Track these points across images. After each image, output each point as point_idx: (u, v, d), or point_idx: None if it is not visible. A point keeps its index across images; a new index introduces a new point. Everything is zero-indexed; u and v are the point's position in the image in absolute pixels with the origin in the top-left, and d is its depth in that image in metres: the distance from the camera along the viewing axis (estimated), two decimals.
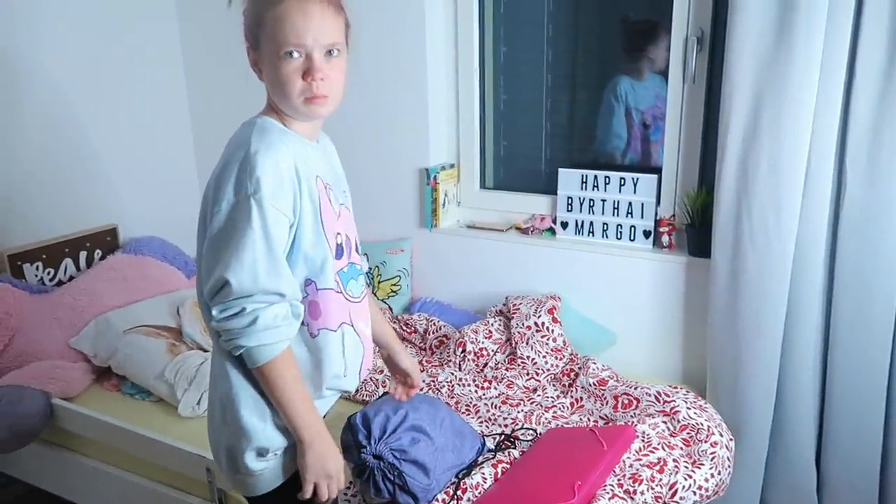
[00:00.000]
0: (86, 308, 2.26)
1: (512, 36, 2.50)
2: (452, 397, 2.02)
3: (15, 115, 2.29)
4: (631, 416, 1.82)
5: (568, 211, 2.34)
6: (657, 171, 2.23)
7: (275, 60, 1.11)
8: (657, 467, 1.59)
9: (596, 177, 2.27)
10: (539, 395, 2.02)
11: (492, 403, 1.98)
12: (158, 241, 2.61)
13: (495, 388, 2.06)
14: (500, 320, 2.25)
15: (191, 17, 2.77)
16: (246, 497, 1.26)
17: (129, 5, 2.60)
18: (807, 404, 1.92)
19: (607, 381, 1.97)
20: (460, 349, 2.18)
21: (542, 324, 2.15)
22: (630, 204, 2.23)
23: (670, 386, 1.90)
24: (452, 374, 2.12)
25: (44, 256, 2.37)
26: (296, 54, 1.11)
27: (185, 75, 2.86)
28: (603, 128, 2.40)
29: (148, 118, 2.73)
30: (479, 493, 1.57)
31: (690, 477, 1.59)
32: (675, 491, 1.56)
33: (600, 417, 1.89)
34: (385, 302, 2.54)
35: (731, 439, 1.76)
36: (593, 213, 2.30)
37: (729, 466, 1.69)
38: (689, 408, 1.78)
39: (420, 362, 2.23)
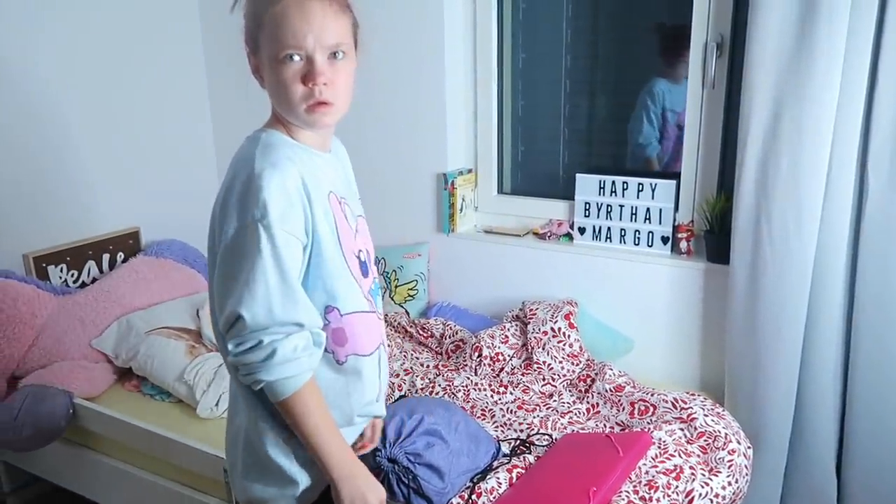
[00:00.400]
0: (108, 309, 2.30)
1: (530, 42, 2.51)
2: (468, 401, 2.02)
3: (40, 120, 2.34)
4: (647, 423, 1.81)
5: (585, 216, 2.33)
6: (676, 176, 2.22)
7: (274, 65, 1.02)
8: (673, 474, 1.58)
9: (614, 182, 2.27)
10: (555, 401, 2.01)
11: (507, 408, 1.98)
12: (179, 244, 2.65)
13: (511, 393, 2.06)
14: (516, 325, 2.25)
15: (213, 22, 2.81)
16: None
17: (152, 9, 2.64)
18: (827, 411, 1.89)
19: (624, 387, 1.96)
20: (476, 354, 2.18)
21: (559, 329, 2.14)
22: (648, 210, 2.22)
23: (688, 393, 1.89)
24: (468, 378, 2.12)
25: (68, 259, 2.41)
26: (296, 57, 1.02)
27: (207, 79, 2.90)
28: (636, 130, 2.38)
29: (170, 124, 2.77)
30: (494, 497, 1.57)
31: (707, 485, 1.58)
32: (692, 499, 1.55)
33: (616, 424, 1.88)
34: (402, 306, 2.55)
35: (749, 447, 1.74)
36: (611, 218, 2.29)
37: (747, 474, 1.68)
38: (706, 415, 1.77)
39: (436, 366, 2.23)
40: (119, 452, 1.99)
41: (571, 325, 2.15)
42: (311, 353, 1.04)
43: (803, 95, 1.74)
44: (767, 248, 1.86)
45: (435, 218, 2.56)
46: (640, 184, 2.22)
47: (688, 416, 1.77)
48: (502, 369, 2.16)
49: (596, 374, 2.06)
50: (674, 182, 2.19)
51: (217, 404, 1.99)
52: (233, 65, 2.81)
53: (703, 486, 1.57)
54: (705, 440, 1.71)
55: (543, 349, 2.14)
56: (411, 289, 2.56)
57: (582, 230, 2.35)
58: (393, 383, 2.10)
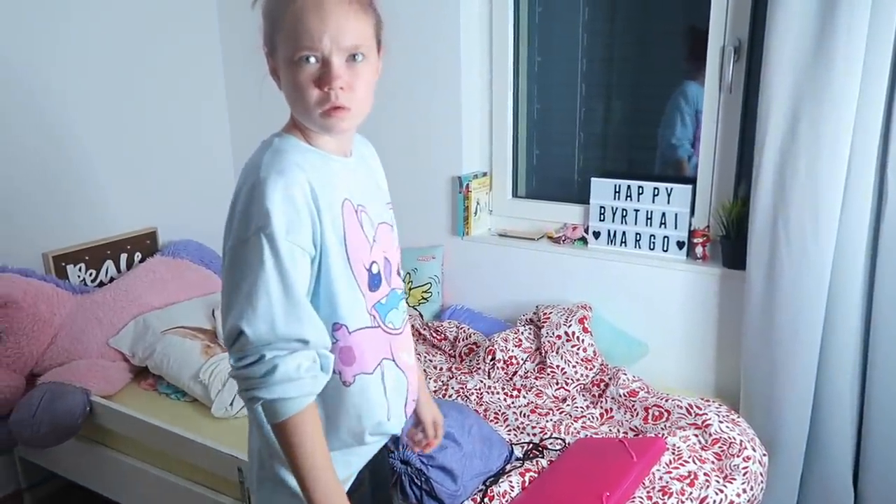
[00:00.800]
0: (125, 308, 2.32)
1: (546, 45, 2.51)
2: (481, 405, 2.02)
3: (61, 124, 2.37)
4: (661, 429, 1.80)
5: (600, 220, 2.32)
6: (692, 181, 2.21)
7: (289, 66, 0.97)
8: (688, 481, 1.57)
9: (629, 186, 2.26)
10: (568, 405, 2.01)
11: (520, 412, 1.98)
12: (195, 245, 2.67)
13: (524, 397, 2.06)
14: (530, 329, 2.25)
15: (231, 25, 2.83)
16: None
17: (169, 12, 2.67)
18: (844, 420, 1.87)
19: (638, 392, 1.95)
20: (490, 357, 2.18)
21: (573, 333, 2.14)
22: (664, 214, 2.21)
23: (702, 399, 1.88)
24: (481, 381, 2.12)
25: (86, 258, 2.44)
26: (311, 59, 0.96)
27: (224, 81, 2.93)
28: (669, 133, 2.35)
29: (187, 126, 2.80)
30: (507, 501, 1.57)
31: (722, 492, 1.56)
32: None
33: (630, 429, 1.87)
34: (416, 309, 2.56)
35: (764, 454, 1.72)
36: (626, 222, 2.28)
37: (762, 482, 1.66)
38: (721, 421, 1.75)
39: (449, 369, 2.24)
40: (134, 450, 2.01)
41: (585, 330, 2.15)
42: (314, 375, 0.97)
43: (822, 99, 1.73)
44: (784, 254, 1.85)
45: (449, 221, 2.57)
46: (655, 188, 2.22)
47: (702, 423, 1.76)
48: (515, 373, 2.16)
49: (610, 378, 2.05)
50: (689, 187, 2.17)
51: (232, 404, 2.00)
52: (250, 66, 2.86)
53: (717, 493, 1.56)
54: (720, 447, 1.70)
55: (557, 353, 2.13)
56: (425, 291, 2.56)
57: (597, 234, 2.34)
58: None
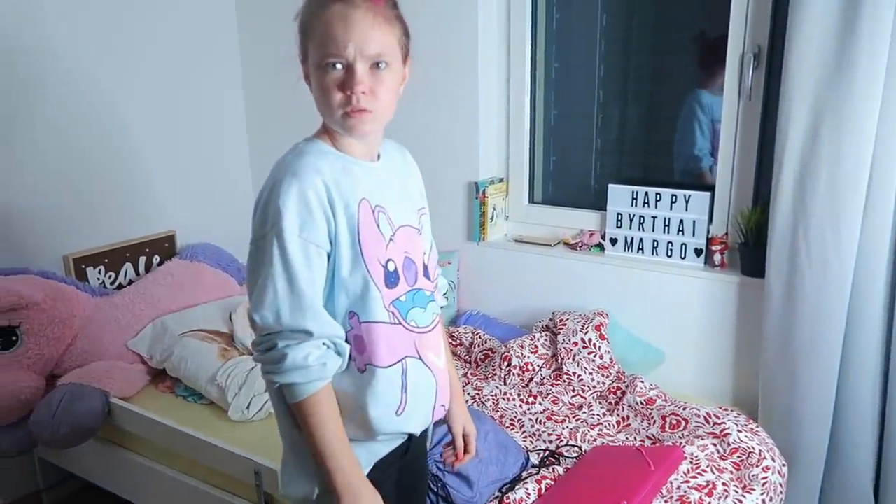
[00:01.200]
0: (143, 311, 2.34)
1: (564, 52, 2.51)
2: (497, 411, 2.02)
3: (81, 127, 2.40)
4: (679, 437, 1.79)
5: (617, 227, 2.32)
6: (710, 188, 2.20)
7: (317, 71, 1.05)
8: (706, 490, 1.56)
9: (647, 193, 2.25)
10: (584, 413, 2.00)
11: (536, 419, 1.97)
12: (213, 249, 2.69)
13: (540, 404, 2.05)
14: (546, 335, 2.24)
15: (250, 31, 2.85)
16: None
17: (188, 18, 2.70)
18: (865, 430, 1.85)
19: (655, 400, 1.94)
20: (506, 363, 2.17)
21: (589, 340, 2.13)
22: (681, 221, 2.20)
23: (720, 408, 1.86)
24: (497, 387, 2.12)
25: (106, 261, 2.46)
26: (337, 65, 1.03)
27: (242, 87, 2.95)
28: (685, 141, 2.35)
29: (206, 133, 2.82)
30: None
31: (741, 502, 1.55)
32: None
33: (647, 437, 1.86)
34: None
35: (783, 464, 1.71)
36: (643, 229, 2.27)
37: (781, 492, 1.65)
38: (740, 430, 1.74)
39: (465, 375, 2.23)
40: (152, 452, 2.02)
41: (602, 337, 2.14)
42: (324, 362, 1.04)
43: (843, 105, 1.72)
44: (805, 262, 1.83)
45: (466, 226, 2.57)
46: (673, 195, 2.20)
47: (721, 432, 1.75)
48: (531, 379, 2.15)
49: (626, 386, 2.04)
50: (708, 194, 2.16)
51: (248, 407, 2.01)
52: (267, 74, 2.88)
53: None
54: (739, 456, 1.68)
55: (573, 360, 2.13)
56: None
57: (613, 241, 2.33)
58: None
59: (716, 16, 2.09)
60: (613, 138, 2.53)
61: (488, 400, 2.06)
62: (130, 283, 2.52)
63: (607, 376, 2.10)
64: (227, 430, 1.96)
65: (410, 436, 1.19)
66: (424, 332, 1.15)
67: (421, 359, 1.14)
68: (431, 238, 1.29)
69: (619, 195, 2.30)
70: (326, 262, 1.06)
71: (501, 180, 2.56)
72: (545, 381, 2.14)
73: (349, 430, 1.10)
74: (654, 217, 2.25)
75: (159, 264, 2.61)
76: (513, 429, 1.92)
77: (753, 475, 1.62)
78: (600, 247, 2.37)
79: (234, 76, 2.92)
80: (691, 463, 1.65)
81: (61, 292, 2.19)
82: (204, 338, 2.22)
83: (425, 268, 1.19)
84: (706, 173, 2.33)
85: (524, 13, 2.41)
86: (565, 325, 2.20)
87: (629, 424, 1.93)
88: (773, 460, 1.67)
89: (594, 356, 2.12)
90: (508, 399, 2.07)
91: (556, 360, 2.17)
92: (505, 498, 1.58)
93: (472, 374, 2.24)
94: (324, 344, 1.05)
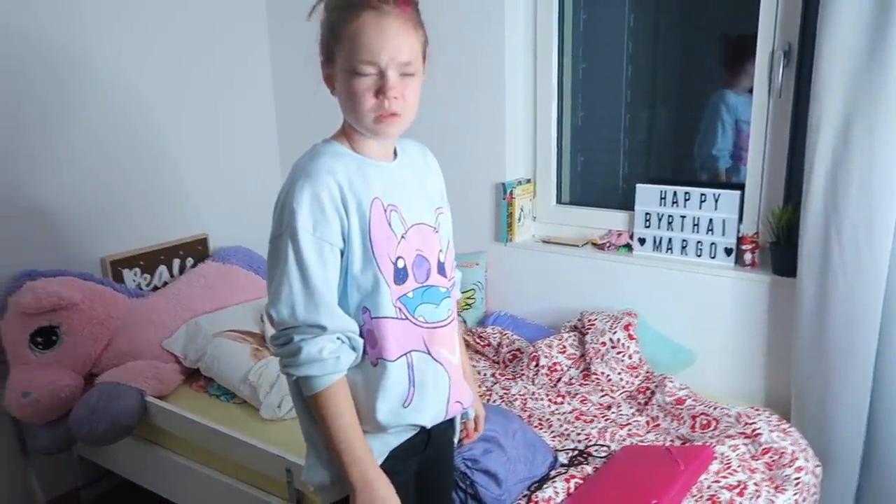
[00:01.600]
0: (177, 312, 2.39)
1: (591, 53, 2.50)
2: (525, 410, 2.02)
3: (117, 134, 2.46)
4: (710, 437, 1.77)
5: (646, 227, 2.31)
6: (740, 187, 2.18)
7: (348, 76, 1.07)
8: (737, 490, 1.55)
9: (675, 193, 2.24)
10: (613, 413, 1.99)
11: (565, 418, 1.97)
12: (244, 251, 2.74)
13: (569, 404, 2.05)
14: (574, 336, 2.24)
15: (280, 35, 2.90)
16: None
17: (220, 24, 2.75)
18: None
19: (685, 399, 1.92)
20: (534, 363, 2.18)
21: (618, 340, 2.12)
22: (711, 220, 2.19)
23: (752, 408, 1.85)
24: (525, 387, 2.12)
25: (141, 263, 2.52)
26: (370, 71, 1.06)
27: (273, 93, 3.00)
28: (709, 141, 2.34)
29: (237, 138, 2.87)
30: None
31: (773, 502, 1.53)
32: None
33: (677, 437, 1.85)
34: (459, 315, 2.56)
35: (817, 465, 1.69)
36: (672, 229, 2.26)
37: (815, 493, 1.63)
38: (772, 430, 1.72)
39: (493, 375, 2.24)
40: (186, 450, 2.06)
41: (631, 337, 2.13)
42: (338, 356, 1.09)
43: (876, 102, 1.69)
44: (837, 261, 1.81)
45: (493, 227, 2.58)
46: (702, 194, 2.19)
47: (752, 432, 1.73)
48: (560, 379, 2.15)
49: (656, 386, 2.03)
50: (738, 192, 2.14)
51: (279, 406, 2.04)
52: (297, 77, 2.92)
53: None
54: (771, 456, 1.66)
55: (602, 360, 2.12)
56: (469, 298, 2.58)
57: (642, 241, 2.32)
58: None
59: (744, 14, 2.08)
60: (641, 138, 2.52)
61: (516, 399, 2.06)
62: (165, 284, 2.58)
63: (636, 376, 2.09)
64: (259, 429, 1.99)
65: (424, 428, 1.21)
66: (436, 327, 1.18)
67: (429, 353, 1.17)
68: (450, 237, 1.31)
69: (647, 195, 2.29)
70: (340, 258, 1.11)
71: (529, 181, 2.57)
72: (573, 381, 2.14)
73: (362, 423, 1.14)
74: (683, 216, 2.23)
75: (193, 266, 2.67)
76: (541, 428, 1.93)
77: (786, 475, 1.60)
78: (628, 247, 2.36)
79: (264, 80, 2.97)
80: (722, 463, 1.64)
81: (99, 293, 2.25)
82: (236, 338, 2.26)
83: (440, 265, 1.21)
84: (727, 174, 2.32)
85: (551, 14, 2.42)
86: (593, 325, 2.20)
87: (659, 424, 1.92)
88: (807, 461, 1.65)
89: (623, 356, 2.11)
90: (536, 399, 2.07)
91: (585, 360, 2.17)
92: (533, 496, 1.58)
93: (500, 374, 2.25)
94: (338, 338, 1.10)
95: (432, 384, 1.18)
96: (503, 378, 2.20)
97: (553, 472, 1.69)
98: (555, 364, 2.17)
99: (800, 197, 1.89)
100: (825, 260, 1.83)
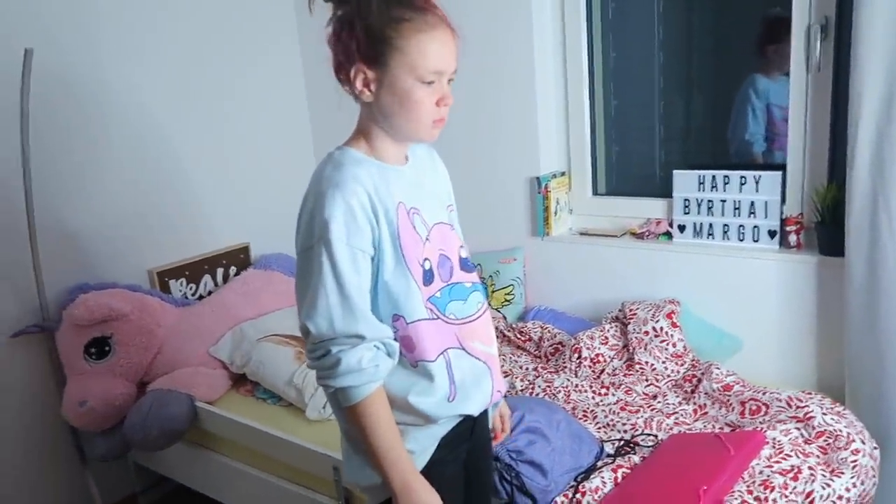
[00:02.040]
0: (223, 319, 2.44)
1: (621, 41, 2.48)
2: (569, 402, 2.00)
3: (161, 151, 2.54)
4: (760, 423, 1.73)
5: (685, 213, 2.27)
6: (780, 167, 2.12)
7: (409, 85, 1.09)
8: (791, 475, 1.50)
9: (714, 177, 2.19)
10: (659, 402, 1.96)
11: (610, 409, 1.95)
12: (285, 257, 2.78)
13: (613, 395, 2.02)
14: (616, 326, 2.21)
15: (313, 48, 2.95)
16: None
17: (254, 35, 2.81)
18: None
19: (733, 386, 1.88)
20: (576, 355, 2.15)
21: (661, 329, 2.09)
22: (752, 203, 2.14)
23: (803, 392, 1.79)
24: (568, 380, 2.10)
25: (186, 273, 2.59)
26: (433, 82, 1.10)
27: (307, 103, 3.05)
28: (740, 127, 2.30)
29: (274, 149, 2.93)
30: (599, 496, 1.55)
31: (829, 486, 1.48)
32: (812, 500, 1.46)
33: (726, 424, 1.80)
34: (499, 311, 2.56)
35: (875, 447, 1.63)
36: (712, 214, 2.21)
37: (874, 476, 1.57)
38: (825, 413, 1.67)
39: (535, 369, 2.23)
40: (236, 452, 2.11)
41: (674, 325, 2.09)
42: (377, 364, 1.09)
43: None
44: (887, 238, 1.75)
45: (529, 222, 2.56)
46: (742, 177, 2.14)
47: (804, 415, 1.68)
48: (603, 370, 2.13)
49: (702, 374, 1.98)
50: (779, 173, 2.09)
51: (324, 407, 2.07)
52: (330, 88, 2.96)
53: (823, 488, 1.48)
54: (825, 440, 1.61)
55: (645, 349, 2.09)
56: (508, 294, 2.57)
57: (682, 228, 2.28)
58: None
59: None
60: (676, 125, 2.48)
61: (559, 392, 2.04)
62: (210, 293, 2.64)
63: (681, 364, 2.06)
64: (305, 429, 2.02)
65: (469, 416, 1.22)
66: (467, 321, 1.20)
67: (463, 348, 1.18)
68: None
69: (685, 181, 2.26)
70: (371, 265, 1.11)
71: (563, 174, 2.55)
72: (617, 371, 2.11)
73: (408, 419, 1.15)
74: (724, 201, 2.19)
75: (236, 274, 2.73)
76: (586, 420, 1.90)
77: (842, 458, 1.55)
78: (668, 235, 2.32)
79: (298, 92, 3.02)
80: (774, 448, 1.59)
81: (147, 304, 2.32)
82: (280, 342, 2.30)
83: (462, 260, 1.23)
84: (763, 157, 2.27)
85: (578, 4, 2.40)
86: (635, 314, 2.17)
87: (706, 412, 1.88)
88: (864, 443, 1.60)
89: (667, 344, 2.07)
90: (580, 391, 2.05)
91: (628, 350, 2.14)
92: (581, 486, 1.57)
93: (542, 367, 2.23)
94: (375, 346, 1.10)
95: (471, 378, 1.20)
96: (545, 371, 2.18)
97: (600, 463, 1.67)
98: (597, 355, 2.14)
99: (844, 174, 1.84)
100: (874, 236, 1.77)
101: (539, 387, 2.08)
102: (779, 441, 1.61)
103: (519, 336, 2.40)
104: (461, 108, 1.17)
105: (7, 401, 2.21)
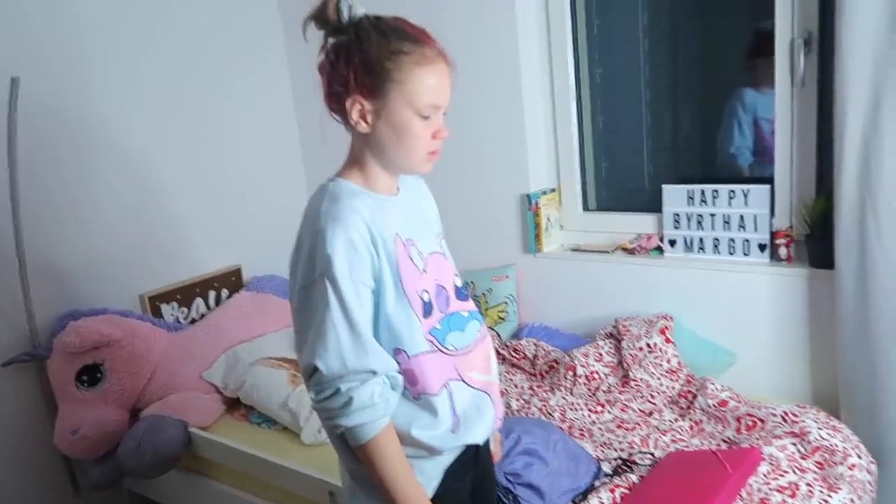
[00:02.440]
0: (215, 343, 2.43)
1: (607, 56, 2.49)
2: (565, 421, 2.00)
3: (151, 176, 2.53)
4: (756, 438, 1.73)
5: (675, 228, 2.28)
6: (769, 181, 2.14)
7: (407, 118, 1.08)
8: (788, 492, 1.50)
9: (703, 191, 2.21)
10: (655, 419, 1.96)
11: (606, 427, 1.94)
12: (278, 279, 2.77)
13: (609, 412, 2.02)
14: (610, 343, 2.21)
15: (301, 69, 2.95)
16: None
17: (242, 62, 2.81)
18: None
19: (728, 401, 1.88)
20: (571, 373, 2.15)
21: (655, 345, 2.09)
22: (742, 217, 2.15)
23: (798, 406, 1.80)
24: (564, 398, 2.10)
25: (178, 297, 2.57)
26: (431, 115, 1.10)
27: (297, 126, 3.05)
28: (727, 141, 2.31)
29: (264, 171, 2.93)
30: None
31: (827, 502, 1.48)
32: None
33: (723, 440, 1.80)
34: (493, 329, 2.56)
35: (871, 461, 1.63)
36: (702, 228, 2.22)
37: (872, 491, 1.57)
38: (820, 428, 1.67)
39: (531, 388, 2.22)
40: (231, 478, 2.09)
41: (668, 340, 2.10)
42: (387, 398, 1.07)
43: None
44: (876, 249, 1.76)
45: (521, 239, 2.57)
46: (731, 191, 2.15)
47: (800, 430, 1.68)
48: (598, 388, 2.12)
49: (697, 389, 1.99)
50: (767, 187, 2.10)
51: (320, 430, 2.05)
52: (320, 110, 2.96)
53: None
54: (821, 455, 1.62)
55: (640, 366, 2.09)
56: (501, 311, 2.57)
57: (672, 242, 2.29)
58: None
59: (759, 5, 2.05)
60: (664, 139, 2.49)
61: (555, 410, 2.04)
62: (202, 316, 2.62)
63: (676, 380, 2.06)
64: (300, 454, 2.00)
65: (473, 445, 1.21)
66: (465, 352, 1.18)
67: (462, 380, 1.16)
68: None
69: (674, 195, 2.27)
70: (371, 298, 1.08)
71: (553, 190, 2.56)
72: (612, 388, 2.11)
73: (412, 451, 1.13)
74: (713, 215, 2.20)
75: (228, 297, 2.71)
76: (582, 438, 1.90)
77: (839, 474, 1.55)
78: (659, 250, 2.33)
79: (287, 115, 3.03)
80: (771, 464, 1.59)
81: (139, 329, 2.30)
82: (273, 365, 2.29)
83: (458, 290, 1.22)
84: (751, 170, 2.28)
85: (563, 22, 2.42)
86: (629, 330, 2.17)
87: (703, 428, 1.88)
88: (860, 457, 1.60)
89: (661, 360, 2.07)
90: (576, 409, 2.04)
91: (622, 366, 2.14)
92: None
93: (537, 385, 2.23)
94: (383, 380, 1.08)
95: (473, 408, 1.18)
96: (541, 390, 2.18)
97: (597, 483, 1.66)
98: (592, 373, 2.14)
99: (832, 186, 1.85)
100: (863, 247, 1.78)
101: (535, 406, 2.07)
102: (775, 457, 1.61)
103: (514, 354, 2.39)
104: (450, 126, 1.15)
105: None
